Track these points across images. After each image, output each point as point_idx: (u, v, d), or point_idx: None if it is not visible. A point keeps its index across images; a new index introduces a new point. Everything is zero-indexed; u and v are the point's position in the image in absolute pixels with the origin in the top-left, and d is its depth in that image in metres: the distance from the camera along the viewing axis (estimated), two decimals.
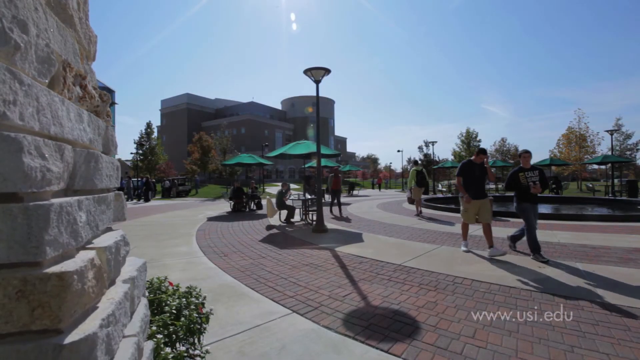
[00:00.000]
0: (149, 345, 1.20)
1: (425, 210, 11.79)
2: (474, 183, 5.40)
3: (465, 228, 5.61)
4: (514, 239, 5.50)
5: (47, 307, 0.77)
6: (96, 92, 1.18)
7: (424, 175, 10.48)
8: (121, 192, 1.33)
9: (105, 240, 1.11)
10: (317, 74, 7.83)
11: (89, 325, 0.86)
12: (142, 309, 1.25)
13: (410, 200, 12.00)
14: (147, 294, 1.41)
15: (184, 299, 1.77)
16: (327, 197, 19.78)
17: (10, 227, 0.75)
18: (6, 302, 0.74)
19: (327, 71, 7.85)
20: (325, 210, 12.01)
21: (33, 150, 0.79)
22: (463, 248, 5.51)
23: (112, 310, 0.96)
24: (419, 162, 13.31)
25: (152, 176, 36.54)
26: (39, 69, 0.88)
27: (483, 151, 5.52)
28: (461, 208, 5.54)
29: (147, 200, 22.19)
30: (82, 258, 0.90)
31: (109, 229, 1.27)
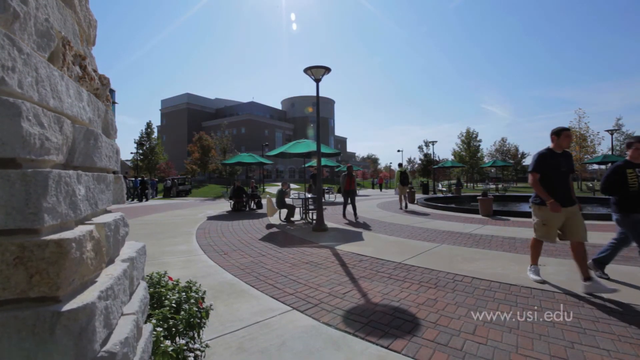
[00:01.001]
0: (148, 328, 1.20)
1: (424, 210, 11.91)
2: (559, 182, 3.70)
3: (536, 248, 3.97)
4: (601, 263, 3.93)
5: (45, 274, 0.77)
6: (96, 75, 1.17)
7: (406, 175, 12.84)
8: (121, 175, 1.33)
9: (105, 218, 1.11)
10: (317, 72, 7.82)
11: (87, 296, 0.85)
12: (141, 290, 1.24)
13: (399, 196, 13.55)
14: (146, 285, 1.39)
15: (184, 293, 1.76)
16: (328, 197, 19.80)
17: (8, 193, 0.75)
18: (4, 269, 0.74)
19: (327, 70, 7.85)
20: (335, 212, 12.03)
21: (32, 118, 0.79)
22: (533, 276, 3.86)
23: (110, 284, 0.96)
24: (402, 164, 14.30)
25: (152, 176, 36.55)
26: (38, 43, 0.88)
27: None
28: (535, 219, 3.87)
29: (140, 200, 22.06)
30: (81, 229, 0.89)
31: (108, 212, 1.27)
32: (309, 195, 10.73)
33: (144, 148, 36.97)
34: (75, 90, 0.98)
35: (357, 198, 10.87)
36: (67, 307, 0.79)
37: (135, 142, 36.71)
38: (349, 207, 10.06)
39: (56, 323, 0.76)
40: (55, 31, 0.94)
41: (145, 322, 1.28)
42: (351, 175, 9.94)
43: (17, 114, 0.74)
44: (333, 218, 10.16)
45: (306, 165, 16.70)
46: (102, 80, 1.18)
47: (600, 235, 6.45)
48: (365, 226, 8.30)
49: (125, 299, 1.09)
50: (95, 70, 1.20)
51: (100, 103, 1.15)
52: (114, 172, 1.29)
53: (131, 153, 34.29)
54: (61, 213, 0.84)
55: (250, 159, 15.35)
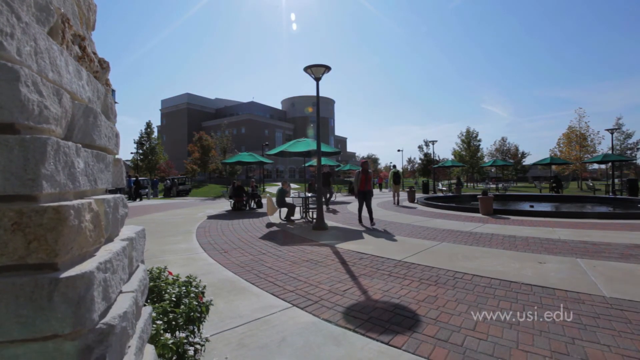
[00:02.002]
0: (147, 310, 1.19)
1: (425, 209, 11.96)
2: None
3: None
4: None
5: (43, 240, 0.77)
6: (96, 58, 1.17)
7: (399, 175, 14.92)
8: (120, 159, 1.33)
9: (104, 196, 1.10)
10: (317, 71, 7.82)
11: (86, 266, 0.85)
12: (141, 272, 1.24)
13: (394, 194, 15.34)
14: (145, 268, 1.38)
15: (184, 288, 1.76)
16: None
17: (7, 158, 0.75)
18: (2, 234, 0.74)
19: (327, 68, 7.84)
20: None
21: (30, 84, 0.78)
22: None
23: (110, 258, 0.96)
24: (395, 165, 15.69)
25: (152, 176, 36.55)
26: (37, 16, 0.87)
27: None
28: None
29: (134, 199, 21.94)
30: (80, 200, 0.89)
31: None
32: (309, 195, 10.72)
33: (144, 148, 36.97)
34: (74, 67, 0.98)
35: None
36: (65, 274, 0.79)
37: (135, 142, 36.73)
38: (365, 212, 8.76)
39: (54, 290, 0.76)
40: (54, 7, 0.94)
41: (145, 305, 1.28)
42: (367, 173, 8.49)
43: (15, 78, 0.74)
44: (364, 232, 10.15)
45: (306, 164, 16.69)
46: (102, 64, 1.18)
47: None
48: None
49: (125, 276, 1.08)
50: (94, 53, 1.20)
51: (100, 85, 1.15)
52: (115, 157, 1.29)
53: (131, 153, 34.28)
54: (60, 182, 0.83)
55: (251, 158, 15.35)
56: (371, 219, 8.21)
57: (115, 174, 1.24)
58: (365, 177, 8.45)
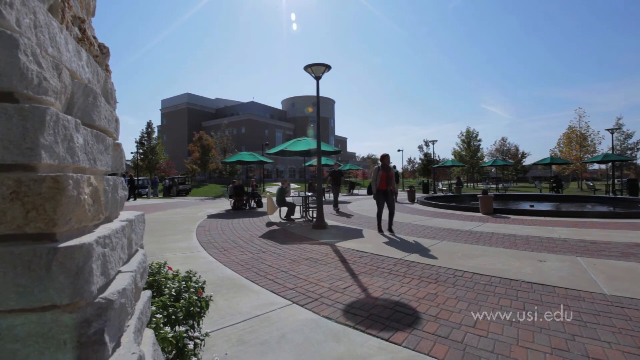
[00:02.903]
0: (146, 293, 1.19)
1: (425, 209, 11.99)
2: None
3: None
4: None
5: (42, 209, 0.77)
6: (96, 42, 1.17)
7: (398, 175, 16.42)
8: (120, 144, 1.32)
9: (103, 176, 1.10)
10: (317, 70, 7.82)
11: (85, 239, 0.85)
12: (140, 255, 1.24)
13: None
14: (145, 252, 1.38)
15: (184, 283, 1.76)
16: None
17: (5, 126, 0.75)
18: (0, 202, 0.75)
19: (327, 67, 7.84)
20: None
21: (29, 55, 0.78)
22: None
23: (108, 234, 0.95)
24: (395, 166, 16.56)
25: (153, 175, 36.55)
26: None
27: None
28: None
29: (128, 198, 21.81)
30: (79, 174, 0.89)
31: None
32: (309, 194, 10.72)
33: (145, 147, 36.96)
34: (74, 47, 0.98)
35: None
36: (63, 244, 0.79)
37: (135, 142, 36.72)
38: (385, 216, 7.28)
39: (52, 260, 0.76)
40: None
41: (144, 290, 1.28)
42: (388, 169, 7.01)
43: (14, 45, 0.74)
44: (386, 244, 10.13)
45: (306, 164, 16.69)
46: (102, 49, 1.17)
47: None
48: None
49: (124, 256, 1.08)
50: (94, 37, 1.19)
51: (100, 69, 1.15)
52: (115, 142, 1.28)
53: (132, 153, 34.25)
54: (58, 155, 0.83)
55: (251, 157, 15.36)
56: (390, 223, 7.00)
57: (115, 158, 1.24)
58: (387, 175, 6.96)
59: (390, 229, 6.99)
